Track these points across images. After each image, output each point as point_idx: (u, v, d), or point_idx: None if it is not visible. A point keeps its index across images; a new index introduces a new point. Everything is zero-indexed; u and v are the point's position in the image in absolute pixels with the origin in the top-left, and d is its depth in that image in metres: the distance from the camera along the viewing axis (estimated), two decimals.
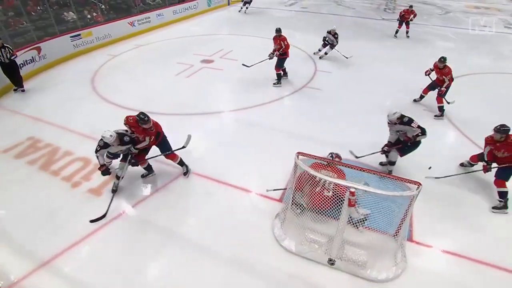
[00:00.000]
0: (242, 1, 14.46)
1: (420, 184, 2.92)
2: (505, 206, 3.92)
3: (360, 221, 3.46)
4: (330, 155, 3.95)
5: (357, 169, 3.26)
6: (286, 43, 6.68)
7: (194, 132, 5.29)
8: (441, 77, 5.87)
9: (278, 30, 6.75)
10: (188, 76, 7.64)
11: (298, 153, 3.24)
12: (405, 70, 8.30)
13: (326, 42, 8.63)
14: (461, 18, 15.64)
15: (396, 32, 11.22)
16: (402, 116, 4.07)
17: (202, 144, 5.15)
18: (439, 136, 5.40)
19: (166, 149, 4.23)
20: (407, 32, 11.15)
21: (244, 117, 5.89)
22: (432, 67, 6.16)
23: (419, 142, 4.17)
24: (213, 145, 5.12)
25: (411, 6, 10.86)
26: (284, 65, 7.00)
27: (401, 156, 4.34)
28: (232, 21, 13.49)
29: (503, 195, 3.95)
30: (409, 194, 2.88)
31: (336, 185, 3.11)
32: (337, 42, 8.43)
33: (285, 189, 4.02)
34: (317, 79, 7.55)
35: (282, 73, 7.07)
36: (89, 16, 10.14)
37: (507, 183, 3.95)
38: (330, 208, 3.25)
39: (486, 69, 8.46)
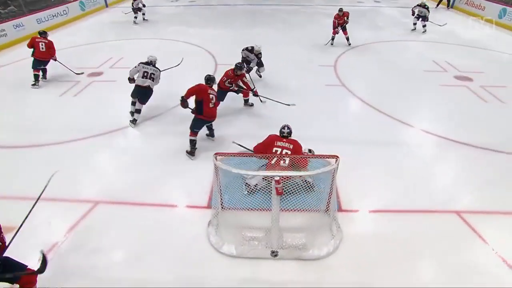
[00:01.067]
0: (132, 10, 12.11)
1: (338, 157, 3.18)
2: None
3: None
4: (284, 127, 4.06)
5: (279, 157, 3.36)
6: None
7: (99, 156, 4.84)
8: (342, 20, 9.01)
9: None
10: (75, 94, 6.75)
11: (216, 154, 3.17)
12: (303, 49, 9.03)
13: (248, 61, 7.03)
14: None
15: (332, 39, 9.55)
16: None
17: (110, 168, 4.64)
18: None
19: None
20: (347, 39, 9.54)
21: (152, 128, 5.52)
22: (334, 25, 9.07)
23: None
24: (123, 165, 4.65)
25: (340, 10, 9.31)
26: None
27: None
28: (115, 25, 12.40)
29: None
30: (329, 169, 3.11)
31: (290, 155, 3.67)
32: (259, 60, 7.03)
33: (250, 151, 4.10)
34: (220, 74, 7.53)
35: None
36: None
37: None
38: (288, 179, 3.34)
39: (370, 40, 9.86)
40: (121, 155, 4.89)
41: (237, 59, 7.52)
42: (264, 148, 3.90)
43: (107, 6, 15.26)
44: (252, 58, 6.94)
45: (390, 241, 3.44)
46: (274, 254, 3.26)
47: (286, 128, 4.03)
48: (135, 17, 12.13)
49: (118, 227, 3.64)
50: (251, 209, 3.56)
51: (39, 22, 11.09)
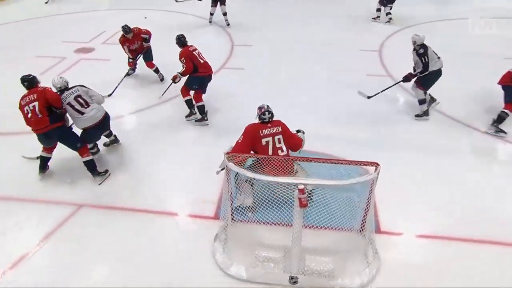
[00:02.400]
0: None
1: (378, 164, 3.17)
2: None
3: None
4: (262, 111, 3.92)
5: (303, 160, 3.42)
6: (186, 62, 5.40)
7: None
8: None
9: (178, 40, 5.59)
10: (60, 73, 6.99)
11: (228, 153, 3.26)
12: (339, 28, 9.08)
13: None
14: None
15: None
16: (420, 46, 5.38)
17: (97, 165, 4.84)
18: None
19: None
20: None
21: (150, 119, 5.71)
22: None
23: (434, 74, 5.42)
24: (114, 163, 4.83)
25: None
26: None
27: (424, 90, 5.55)
28: None
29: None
30: (367, 179, 3.13)
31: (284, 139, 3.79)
32: None
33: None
34: (236, 56, 7.73)
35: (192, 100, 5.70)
36: None
37: None
38: (289, 168, 3.60)
39: (434, 17, 9.70)
40: (112, 151, 5.07)
41: (257, 41, 7.66)
42: (247, 145, 3.77)
43: None
44: None
45: (441, 275, 3.41)
46: (294, 281, 3.30)
47: (266, 113, 3.88)
48: None
49: (103, 237, 3.78)
50: (268, 223, 3.60)
51: None
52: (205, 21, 9.64)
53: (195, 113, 5.61)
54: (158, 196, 4.28)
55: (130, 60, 6.71)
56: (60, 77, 4.50)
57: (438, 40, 7.95)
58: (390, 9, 9.56)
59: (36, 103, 4.13)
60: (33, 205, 4.15)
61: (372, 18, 9.87)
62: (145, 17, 7.59)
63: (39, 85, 4.35)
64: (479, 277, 3.39)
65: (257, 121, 3.94)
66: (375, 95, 5.70)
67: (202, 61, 5.45)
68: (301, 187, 2.87)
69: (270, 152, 3.75)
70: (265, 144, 3.75)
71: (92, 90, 4.61)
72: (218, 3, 9.12)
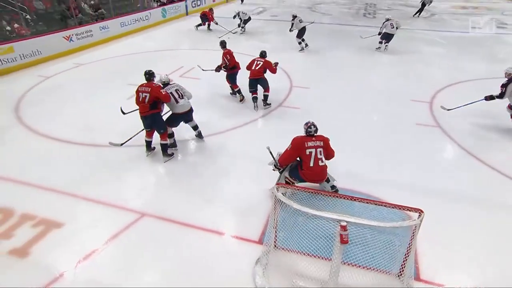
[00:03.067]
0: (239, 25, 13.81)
1: (422, 211, 3.00)
2: None
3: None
4: (308, 126, 4.26)
5: (347, 199, 3.31)
6: (229, 58, 7.36)
7: (154, 166, 5.35)
8: None
9: (222, 44, 7.66)
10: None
11: (278, 184, 3.25)
12: (392, 78, 8.87)
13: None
14: (448, 20, 17.12)
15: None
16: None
17: (163, 180, 5.08)
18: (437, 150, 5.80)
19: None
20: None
21: (213, 145, 5.91)
22: None
23: None
24: (176, 179, 5.07)
25: None
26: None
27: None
28: (192, 34, 13.84)
29: None
30: (410, 224, 2.95)
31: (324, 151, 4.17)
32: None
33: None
34: (294, 96, 7.81)
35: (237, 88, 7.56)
36: (8, 28, 9.93)
37: None
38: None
39: (482, 75, 9.17)
40: (176, 168, 5.32)
41: (314, 82, 7.74)
42: (294, 154, 4.18)
43: (187, 14, 17.20)
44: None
45: None
46: None
47: (312, 126, 4.23)
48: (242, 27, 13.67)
49: (158, 246, 3.91)
50: (308, 254, 3.52)
51: (122, 25, 13.04)
52: None
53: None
54: (212, 215, 4.36)
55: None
56: (166, 75, 5.64)
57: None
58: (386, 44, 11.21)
59: (147, 95, 5.12)
60: (107, 208, 4.43)
61: (376, 48, 11.37)
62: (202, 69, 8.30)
63: (154, 81, 5.35)
64: None
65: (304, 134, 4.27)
66: (456, 108, 6.50)
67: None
68: (344, 224, 2.77)
69: (312, 161, 4.09)
70: (309, 154, 4.10)
71: (184, 88, 5.65)
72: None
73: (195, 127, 5.89)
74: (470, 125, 6.69)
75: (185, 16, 16.98)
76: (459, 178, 5.14)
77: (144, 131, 5.51)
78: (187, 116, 5.63)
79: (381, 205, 3.21)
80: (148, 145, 5.54)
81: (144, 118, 5.28)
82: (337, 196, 3.41)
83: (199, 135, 5.96)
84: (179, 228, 4.15)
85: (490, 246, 3.96)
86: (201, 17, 14.00)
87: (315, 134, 4.23)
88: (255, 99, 7.12)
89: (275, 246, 3.68)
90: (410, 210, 3.09)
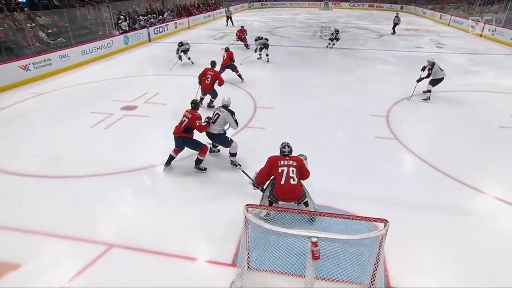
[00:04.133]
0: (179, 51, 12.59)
1: (387, 221, 3.06)
2: None
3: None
4: (284, 146, 4.43)
5: (316, 215, 3.34)
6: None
7: (121, 195, 5.13)
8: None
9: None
10: (107, 127, 7.37)
11: (248, 205, 3.22)
12: (351, 96, 9.22)
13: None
14: (395, 40, 18.30)
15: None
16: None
17: (130, 209, 4.86)
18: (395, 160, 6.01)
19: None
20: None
21: (181, 170, 5.76)
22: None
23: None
24: (145, 207, 4.85)
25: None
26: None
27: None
28: (155, 60, 13.74)
29: None
30: (377, 235, 3.00)
31: (297, 171, 4.22)
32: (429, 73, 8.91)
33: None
34: (259, 117, 7.90)
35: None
36: None
37: None
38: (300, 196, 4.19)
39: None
40: (144, 196, 5.12)
41: (278, 105, 7.92)
42: (268, 172, 4.32)
43: (150, 41, 17.10)
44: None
45: None
46: None
47: (286, 147, 4.39)
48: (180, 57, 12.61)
49: (129, 278, 3.69)
50: (282, 273, 3.47)
51: (83, 53, 12.68)
52: (233, 86, 10.06)
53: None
54: (183, 240, 4.21)
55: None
56: (229, 98, 5.86)
57: (439, 109, 7.94)
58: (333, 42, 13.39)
59: (186, 120, 5.43)
60: (71, 242, 4.14)
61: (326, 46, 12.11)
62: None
63: (198, 110, 5.63)
64: None
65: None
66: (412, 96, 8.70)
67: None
68: (314, 240, 2.76)
69: (283, 179, 4.18)
70: (281, 172, 4.20)
71: (231, 118, 5.67)
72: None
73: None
74: (423, 134, 7.12)
75: (148, 43, 16.88)
76: (418, 186, 5.35)
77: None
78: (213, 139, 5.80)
79: (349, 218, 3.25)
80: (169, 160, 5.68)
81: (175, 137, 5.56)
82: (304, 213, 3.41)
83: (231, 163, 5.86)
84: (150, 257, 3.95)
85: (450, 248, 4.12)
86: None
87: (289, 154, 4.35)
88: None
89: (248, 267, 3.60)
90: (376, 221, 3.15)
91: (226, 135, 5.78)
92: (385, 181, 5.48)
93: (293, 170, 4.21)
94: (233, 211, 4.46)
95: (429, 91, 8.90)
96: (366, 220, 3.17)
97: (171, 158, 5.67)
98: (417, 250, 4.05)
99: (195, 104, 5.66)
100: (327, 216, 3.28)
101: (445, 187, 5.35)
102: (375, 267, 3.26)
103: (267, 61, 12.79)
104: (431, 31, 20.55)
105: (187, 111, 5.55)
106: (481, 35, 19.23)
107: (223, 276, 3.65)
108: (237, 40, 15.20)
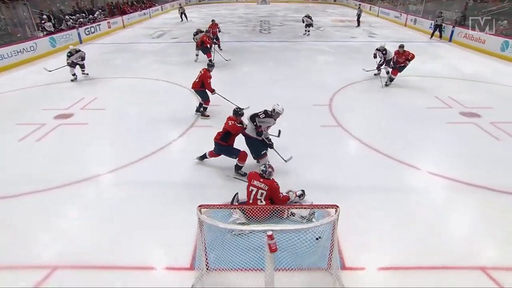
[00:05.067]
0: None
1: (338, 206, 3.21)
2: None
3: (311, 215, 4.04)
4: (264, 166, 4.36)
5: (270, 209, 3.38)
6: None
7: (61, 211, 4.75)
8: (402, 59, 9.35)
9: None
10: (38, 139, 6.74)
11: (200, 206, 3.16)
12: (294, 88, 9.47)
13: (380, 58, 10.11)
14: (331, 31, 19.15)
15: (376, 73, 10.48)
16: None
17: (73, 224, 4.51)
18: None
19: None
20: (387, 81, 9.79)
21: (127, 177, 5.50)
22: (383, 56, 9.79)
23: None
24: (90, 221, 4.54)
25: (401, 46, 9.46)
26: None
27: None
28: (89, 63, 12.78)
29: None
30: (329, 221, 3.12)
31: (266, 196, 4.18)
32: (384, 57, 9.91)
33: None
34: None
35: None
36: None
37: None
38: (269, 215, 3.86)
39: (365, 76, 10.43)
40: (89, 210, 4.79)
41: (224, 102, 7.88)
42: (247, 185, 4.33)
43: (81, 42, 15.91)
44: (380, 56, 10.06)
45: None
46: None
47: (265, 168, 4.33)
48: (74, 74, 10.43)
49: None
50: (242, 269, 3.47)
51: (1, 58, 11.44)
52: (175, 86, 9.77)
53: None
54: (136, 250, 4.01)
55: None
56: (282, 108, 5.46)
57: (375, 94, 8.47)
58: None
59: (226, 126, 5.42)
60: (3, 272, 3.75)
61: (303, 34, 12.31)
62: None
63: (238, 118, 5.48)
64: None
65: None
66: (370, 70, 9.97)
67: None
68: (270, 233, 2.79)
69: (251, 199, 4.21)
70: (251, 191, 4.24)
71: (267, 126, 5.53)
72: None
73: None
74: (362, 119, 7.55)
75: (79, 45, 15.71)
76: (362, 169, 5.67)
77: None
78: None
79: (302, 207, 3.34)
80: (203, 156, 5.78)
81: (214, 143, 5.51)
82: (257, 207, 3.44)
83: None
84: (102, 273, 3.71)
85: (397, 225, 4.42)
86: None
87: (266, 177, 4.29)
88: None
89: (207, 268, 3.55)
90: (327, 207, 3.28)
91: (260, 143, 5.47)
92: (332, 166, 5.73)
93: (262, 193, 4.21)
94: (186, 214, 4.36)
95: (392, 79, 9.55)
96: (318, 207, 3.29)
97: (204, 156, 5.75)
98: (367, 230, 4.30)
99: (236, 113, 5.50)
100: (280, 208, 3.33)
101: (386, 167, 5.73)
102: (331, 251, 3.41)
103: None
104: (363, 21, 21.72)
105: (229, 117, 5.51)
106: (405, 25, 20.85)
107: (182, 281, 3.56)
108: (213, 39, 12.87)
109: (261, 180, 4.26)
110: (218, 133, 5.47)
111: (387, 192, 5.07)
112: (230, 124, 5.36)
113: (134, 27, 21.37)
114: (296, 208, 3.56)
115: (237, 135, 5.43)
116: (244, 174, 5.32)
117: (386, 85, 9.57)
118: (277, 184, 4.35)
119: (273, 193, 4.27)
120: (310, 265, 3.48)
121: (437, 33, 16.53)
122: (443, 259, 3.86)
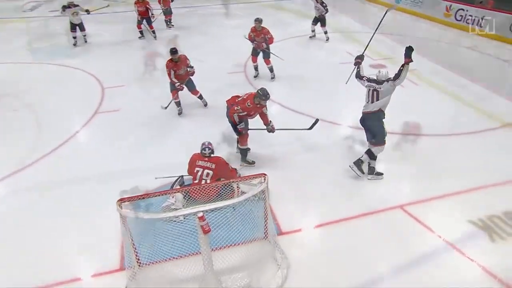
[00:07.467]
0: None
1: (266, 175, 3.38)
2: None
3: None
4: (203, 146, 4.39)
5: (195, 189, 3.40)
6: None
7: None
8: (261, 38, 7.69)
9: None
10: None
11: (120, 200, 3.04)
12: (206, 57, 9.31)
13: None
14: None
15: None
16: None
17: None
18: None
19: None
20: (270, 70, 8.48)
21: (27, 180, 5.03)
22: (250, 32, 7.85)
23: None
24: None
25: (257, 20, 7.90)
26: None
27: None
28: None
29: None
30: (259, 190, 3.27)
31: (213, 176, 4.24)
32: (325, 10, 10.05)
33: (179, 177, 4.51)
34: (109, 99, 7.35)
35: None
36: None
37: None
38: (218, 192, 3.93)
39: (279, 36, 10.57)
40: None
41: (129, 82, 7.40)
42: (188, 169, 4.40)
43: None
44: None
45: (341, 254, 3.79)
46: None
47: (206, 148, 4.36)
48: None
49: None
50: (178, 257, 3.51)
51: None
52: (68, 69, 8.89)
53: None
54: (55, 267, 3.74)
55: (177, 85, 6.44)
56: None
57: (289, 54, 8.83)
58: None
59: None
60: None
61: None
62: None
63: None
64: (372, 244, 3.92)
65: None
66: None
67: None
68: (200, 214, 2.84)
69: (197, 179, 4.26)
70: (196, 172, 4.29)
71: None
72: None
73: None
74: (280, 81, 7.91)
75: None
76: (285, 132, 5.78)
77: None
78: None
79: (230, 182, 3.44)
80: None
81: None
82: (183, 190, 3.45)
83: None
84: None
85: (325, 181, 4.86)
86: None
87: (210, 156, 4.34)
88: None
89: (139, 265, 3.48)
90: (256, 178, 3.43)
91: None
92: (254, 136, 5.86)
93: (208, 173, 4.24)
94: (106, 212, 4.15)
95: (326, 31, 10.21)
96: (246, 179, 3.42)
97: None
98: (296, 193, 4.64)
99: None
100: (207, 187, 3.39)
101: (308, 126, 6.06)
102: (266, 220, 3.63)
103: None
104: None
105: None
106: None
107: (115, 284, 3.47)
108: (163, 12, 11.81)
109: (206, 159, 4.31)
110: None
111: (310, 151, 5.51)
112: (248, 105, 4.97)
113: None
114: (227, 184, 3.66)
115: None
116: (253, 162, 5.28)
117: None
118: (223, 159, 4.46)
119: (222, 169, 4.34)
120: (249, 238, 3.62)
121: None
122: (370, 205, 4.42)
